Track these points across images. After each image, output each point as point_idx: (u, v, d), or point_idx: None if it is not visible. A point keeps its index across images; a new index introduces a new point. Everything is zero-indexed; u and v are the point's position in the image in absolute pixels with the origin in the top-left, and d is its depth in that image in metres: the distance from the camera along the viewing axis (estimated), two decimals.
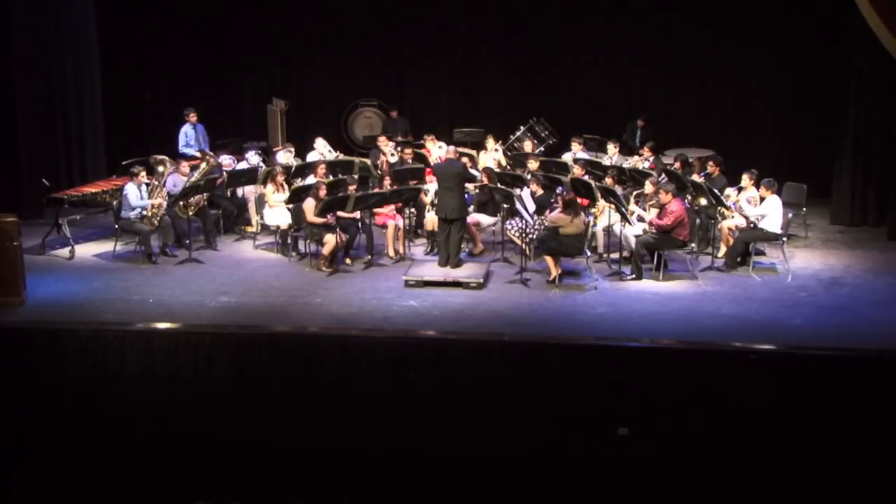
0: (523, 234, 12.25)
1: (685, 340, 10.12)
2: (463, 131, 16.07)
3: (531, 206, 12.08)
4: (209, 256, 12.89)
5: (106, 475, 9.73)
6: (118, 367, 10.24)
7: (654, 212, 11.92)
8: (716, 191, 12.33)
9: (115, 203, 12.92)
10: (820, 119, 15.27)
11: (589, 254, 11.98)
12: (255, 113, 16.83)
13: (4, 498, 9.47)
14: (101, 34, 15.45)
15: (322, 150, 14.47)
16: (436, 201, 12.41)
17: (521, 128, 15.91)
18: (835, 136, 14.39)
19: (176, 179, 13.16)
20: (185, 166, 13.47)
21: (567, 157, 14.23)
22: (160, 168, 13.04)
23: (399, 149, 14.41)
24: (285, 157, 14.09)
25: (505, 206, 12.59)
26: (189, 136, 14.88)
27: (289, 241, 12.86)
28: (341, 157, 14.43)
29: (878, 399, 9.52)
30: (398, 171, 13.67)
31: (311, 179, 13.04)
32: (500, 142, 14.97)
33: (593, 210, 12.58)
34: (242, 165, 14.11)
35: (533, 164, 13.66)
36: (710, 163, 13.24)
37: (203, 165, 13.41)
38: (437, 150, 14.30)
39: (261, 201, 13.36)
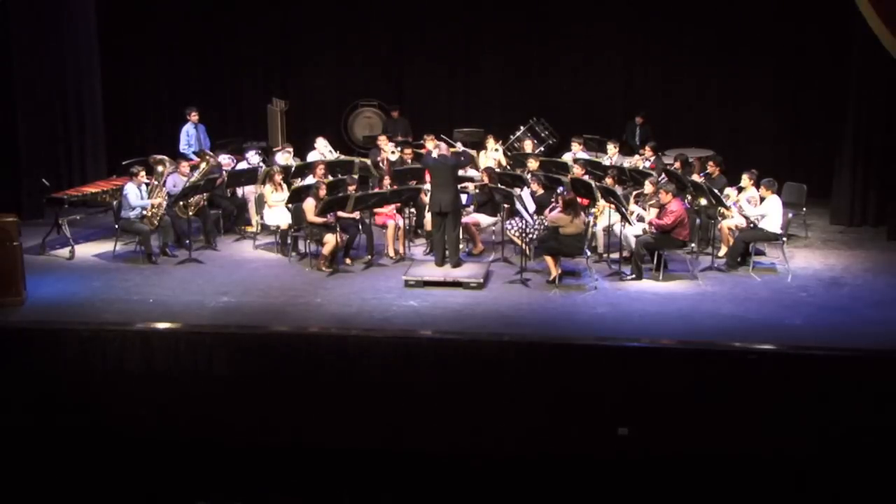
0: (523, 234, 12.25)
1: (685, 340, 10.11)
2: (463, 131, 16.06)
3: (531, 206, 12.08)
4: (209, 256, 12.89)
5: (105, 475, 9.73)
6: (118, 366, 10.24)
7: (654, 212, 11.92)
8: (716, 191, 12.33)
9: (115, 203, 12.93)
10: (820, 119, 15.28)
11: (589, 254, 11.98)
12: (255, 113, 16.85)
13: (4, 497, 9.47)
14: (102, 34, 15.47)
15: (323, 150, 14.48)
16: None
17: (521, 128, 15.92)
18: (835, 136, 14.39)
19: (176, 179, 13.16)
20: (185, 166, 13.48)
21: (567, 157, 14.24)
22: (160, 168, 13.05)
23: (399, 148, 14.42)
24: (284, 157, 14.09)
25: (505, 206, 12.59)
26: (191, 135, 14.87)
27: (289, 241, 12.86)
28: (341, 157, 14.44)
29: (877, 399, 9.52)
30: (398, 171, 13.68)
31: (310, 179, 13.04)
32: (501, 142, 14.98)
33: (593, 210, 12.58)
34: (242, 165, 14.12)
35: (533, 164, 13.66)
36: (710, 163, 13.24)
37: (203, 165, 13.41)
38: (436, 151, 14.28)
39: (260, 201, 13.36)
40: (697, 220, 12.62)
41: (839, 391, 9.58)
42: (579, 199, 12.02)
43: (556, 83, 16.74)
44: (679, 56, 16.20)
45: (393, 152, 14.34)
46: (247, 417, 10.16)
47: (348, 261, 12.54)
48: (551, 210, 11.96)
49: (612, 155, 14.40)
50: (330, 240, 12.09)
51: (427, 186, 12.89)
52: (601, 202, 12.38)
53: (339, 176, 13.11)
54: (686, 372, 9.79)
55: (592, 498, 9.56)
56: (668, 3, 16.03)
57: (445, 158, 12.36)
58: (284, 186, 13.11)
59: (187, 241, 12.80)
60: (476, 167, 14.14)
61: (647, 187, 12.29)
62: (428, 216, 12.74)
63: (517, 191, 12.29)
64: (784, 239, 12.25)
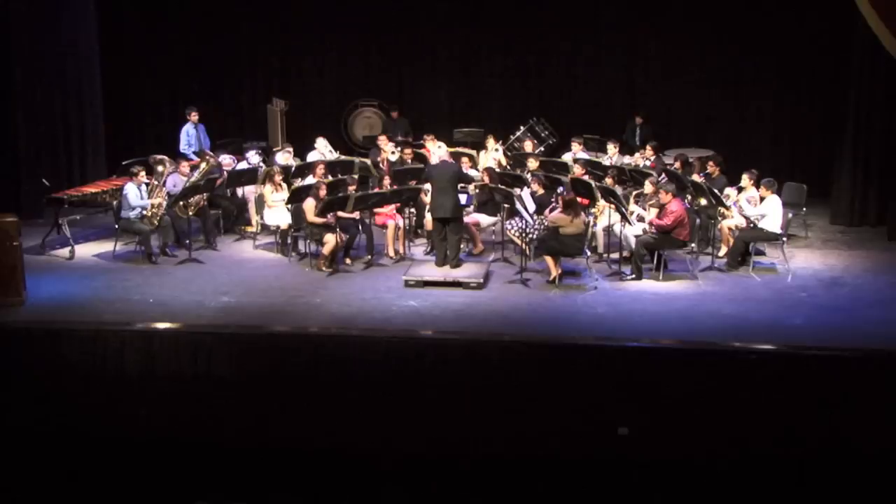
0: (523, 234, 12.25)
1: (685, 340, 10.11)
2: (463, 131, 16.08)
3: (531, 206, 12.08)
4: (209, 256, 12.89)
5: (105, 475, 9.73)
6: (118, 367, 10.24)
7: (654, 212, 11.92)
8: (716, 191, 12.33)
9: (115, 203, 12.94)
10: (820, 119, 15.29)
11: (589, 254, 11.98)
12: (255, 113, 16.86)
13: (4, 498, 9.47)
14: (102, 34, 15.47)
15: (323, 150, 14.49)
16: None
17: (521, 128, 15.93)
18: (835, 136, 14.39)
19: (176, 179, 13.16)
20: (185, 166, 13.49)
21: (567, 157, 14.24)
22: (160, 168, 13.05)
23: (399, 148, 14.43)
24: (283, 157, 14.10)
25: (505, 206, 12.59)
26: (191, 135, 14.88)
27: (289, 241, 12.87)
28: (341, 157, 14.45)
29: (878, 399, 9.52)
30: (398, 171, 13.69)
31: (310, 179, 13.04)
32: (501, 142, 14.98)
33: (593, 210, 12.58)
34: (242, 165, 14.12)
35: (533, 164, 13.67)
36: (710, 163, 13.24)
37: (203, 165, 13.42)
38: (437, 150, 14.30)
39: (260, 201, 13.36)
40: (697, 220, 12.61)
41: (839, 391, 9.58)
42: (579, 199, 12.02)
43: (556, 83, 16.75)
44: (679, 56, 16.20)
45: (393, 152, 14.35)
46: (247, 417, 10.15)
47: (348, 261, 12.54)
48: (551, 210, 11.96)
49: (612, 155, 14.41)
50: (330, 240, 12.09)
51: (427, 186, 12.89)
52: (601, 202, 12.38)
53: (339, 176, 13.12)
54: (686, 372, 9.79)
55: (592, 498, 9.56)
56: (669, 3, 16.03)
57: (447, 165, 12.36)
58: (284, 186, 13.11)
59: (187, 241, 12.80)
60: (476, 167, 14.15)
61: (647, 187, 12.29)
62: (428, 216, 12.74)
63: (517, 191, 12.29)
64: (784, 239, 12.25)
